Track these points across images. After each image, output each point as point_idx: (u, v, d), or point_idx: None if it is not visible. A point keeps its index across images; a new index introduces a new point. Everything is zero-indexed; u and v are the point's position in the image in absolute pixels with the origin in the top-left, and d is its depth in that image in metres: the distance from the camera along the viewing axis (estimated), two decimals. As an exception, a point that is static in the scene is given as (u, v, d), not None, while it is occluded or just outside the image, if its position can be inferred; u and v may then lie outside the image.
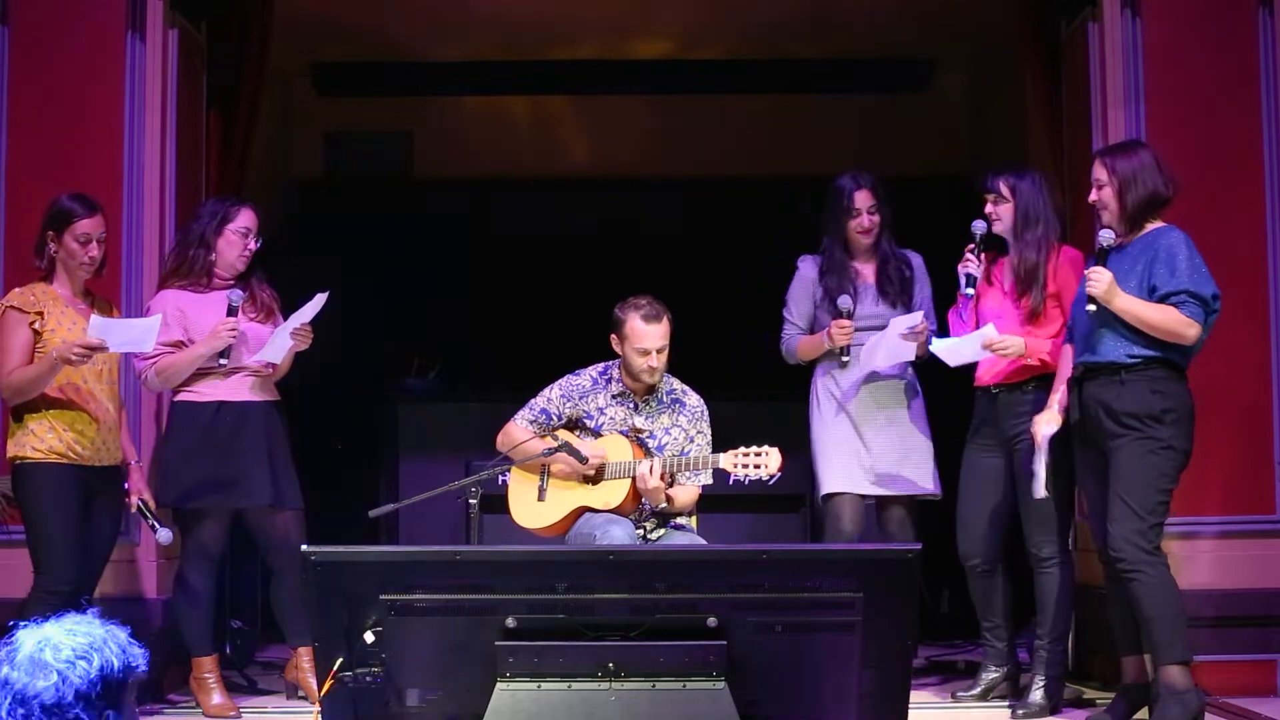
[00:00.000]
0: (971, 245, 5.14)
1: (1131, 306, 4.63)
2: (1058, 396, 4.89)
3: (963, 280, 5.15)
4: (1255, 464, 5.37)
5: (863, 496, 5.40)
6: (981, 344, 5.03)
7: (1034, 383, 5.11)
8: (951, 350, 5.15)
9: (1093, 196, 4.80)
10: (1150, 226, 4.75)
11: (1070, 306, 5.03)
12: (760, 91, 8.54)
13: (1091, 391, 4.72)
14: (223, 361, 5.10)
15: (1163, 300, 4.63)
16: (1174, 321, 4.61)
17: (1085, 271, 4.70)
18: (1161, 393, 4.65)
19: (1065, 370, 4.89)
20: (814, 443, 5.47)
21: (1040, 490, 4.83)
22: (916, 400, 5.46)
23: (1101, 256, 4.70)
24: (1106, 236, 4.71)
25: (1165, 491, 4.65)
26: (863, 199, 5.43)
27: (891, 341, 5.27)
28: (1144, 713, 4.80)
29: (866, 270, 5.49)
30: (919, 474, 5.39)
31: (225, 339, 5.09)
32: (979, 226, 5.16)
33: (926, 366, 5.45)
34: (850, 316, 5.33)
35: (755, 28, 8.01)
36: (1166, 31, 5.58)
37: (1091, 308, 4.64)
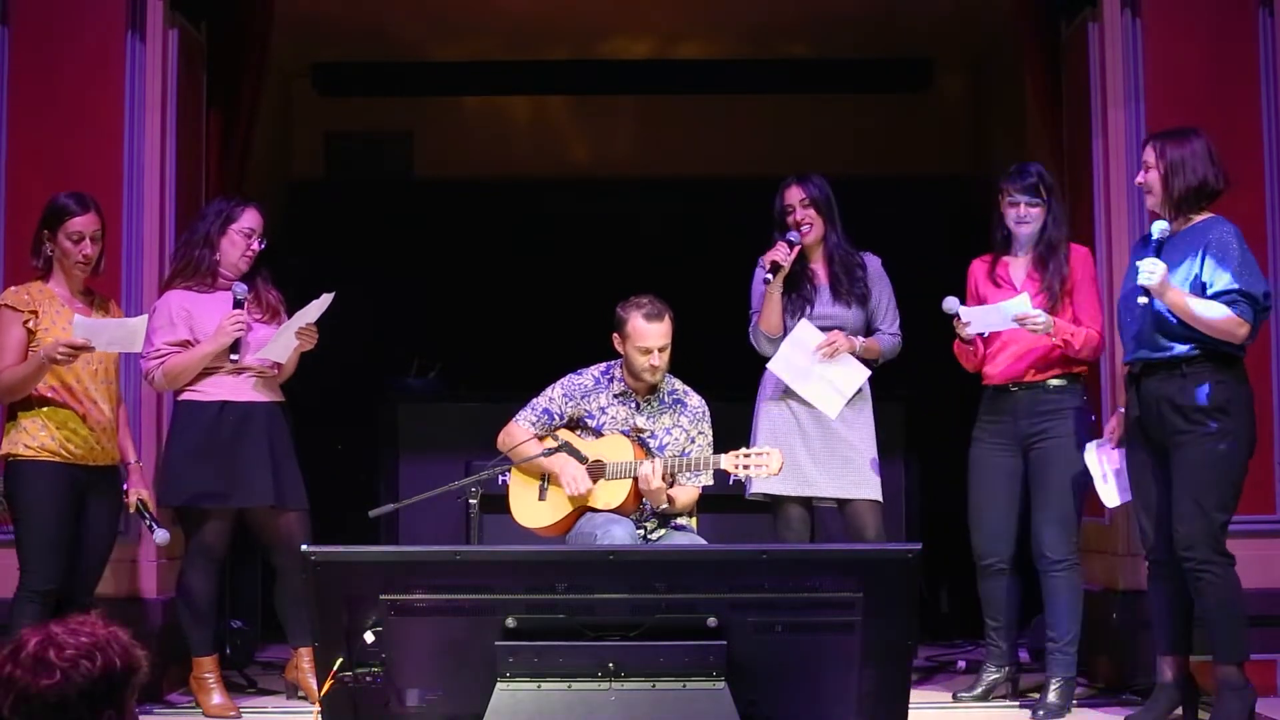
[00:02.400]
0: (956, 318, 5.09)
1: (1182, 301, 4.56)
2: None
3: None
4: (1255, 464, 5.35)
5: (809, 499, 5.39)
6: (1014, 315, 4.97)
7: (1054, 381, 5.12)
8: (979, 317, 5.08)
9: (1139, 178, 4.76)
10: (1199, 217, 4.70)
11: (1080, 299, 5.12)
12: (760, 91, 8.54)
13: (1151, 387, 4.67)
14: (234, 357, 5.10)
15: (1214, 298, 4.58)
16: (1224, 320, 4.55)
17: (1138, 262, 4.62)
18: (1224, 383, 4.60)
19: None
20: (755, 435, 5.40)
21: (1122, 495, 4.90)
22: (864, 404, 5.41)
23: (1155, 248, 4.62)
24: (1160, 227, 4.64)
25: (1235, 485, 4.63)
26: (792, 194, 5.42)
27: (829, 380, 5.25)
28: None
29: (819, 270, 5.47)
30: (859, 478, 5.33)
31: (232, 334, 5.09)
32: (951, 305, 5.09)
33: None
34: (791, 246, 5.31)
35: (755, 28, 8.02)
36: (1166, 31, 5.58)
37: (1143, 299, 4.57)
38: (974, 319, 5.07)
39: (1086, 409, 5.20)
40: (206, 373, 5.15)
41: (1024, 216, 5.16)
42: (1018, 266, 5.25)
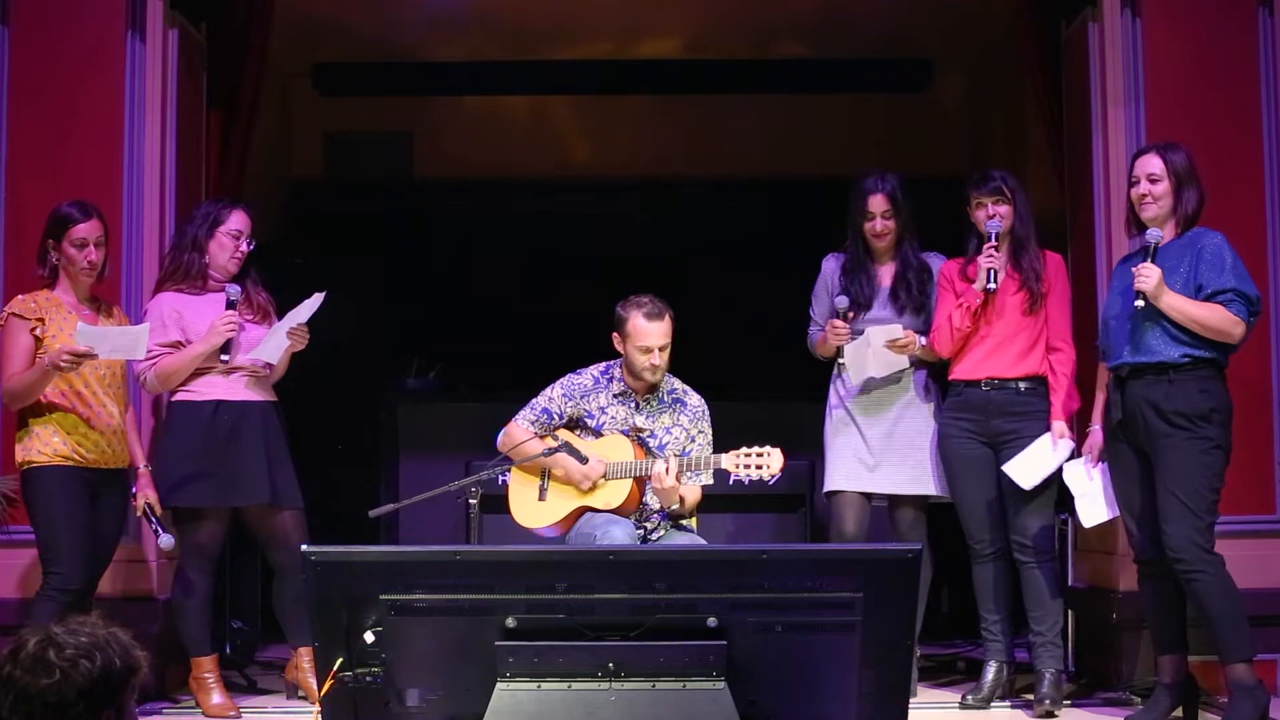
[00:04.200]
0: (992, 243, 5.15)
1: (1179, 303, 4.63)
2: (1098, 414, 4.98)
3: (986, 275, 5.14)
4: (1255, 464, 5.37)
5: (867, 496, 5.39)
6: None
7: (1023, 383, 5.17)
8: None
9: (1143, 189, 4.77)
10: (1186, 229, 4.77)
11: (1054, 309, 5.20)
12: (760, 91, 8.54)
13: (1138, 391, 4.71)
14: (224, 358, 5.12)
15: (1209, 299, 4.64)
16: (1221, 320, 4.62)
17: (1134, 268, 4.69)
18: (1208, 392, 4.66)
19: (1102, 385, 4.97)
20: (824, 441, 5.45)
21: (1108, 511, 4.95)
22: (929, 400, 5.42)
23: (1150, 255, 4.68)
24: (1155, 235, 4.71)
25: (1216, 490, 4.65)
26: (876, 203, 5.39)
27: (879, 352, 5.27)
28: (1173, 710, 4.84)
29: (884, 272, 5.45)
30: (923, 476, 5.36)
31: (224, 334, 5.10)
32: (994, 225, 5.17)
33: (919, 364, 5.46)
34: (845, 318, 5.32)
35: (755, 28, 8.02)
36: (1166, 31, 5.58)
37: (1140, 303, 4.63)
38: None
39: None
40: (199, 373, 5.16)
41: (993, 213, 5.22)
42: None
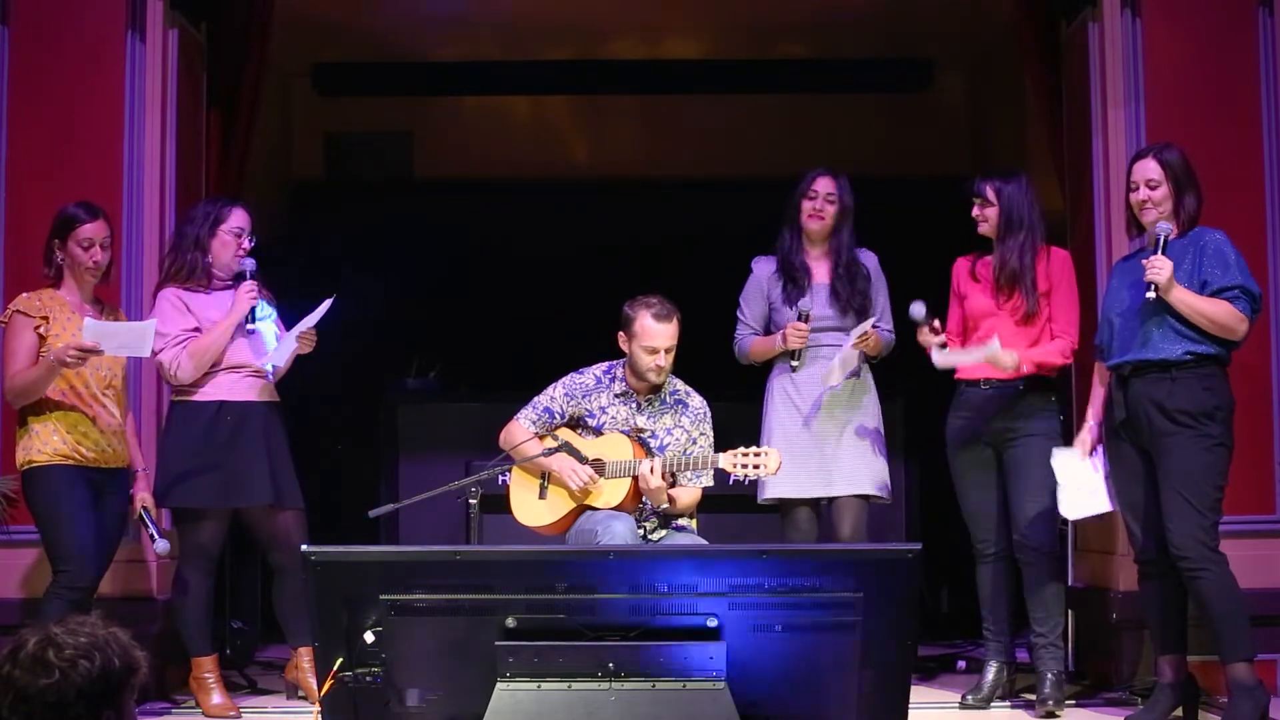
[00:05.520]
0: (922, 328, 5.14)
1: (1187, 298, 4.63)
2: (1095, 409, 4.97)
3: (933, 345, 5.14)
4: (1255, 464, 5.37)
5: (816, 500, 5.38)
6: (984, 358, 5.07)
7: (1025, 381, 5.16)
8: (953, 360, 5.17)
9: (1142, 195, 4.77)
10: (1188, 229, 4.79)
11: (1058, 305, 5.20)
12: (761, 92, 8.55)
13: (1140, 389, 4.71)
14: (250, 328, 5.13)
15: (1215, 295, 4.65)
16: (1227, 315, 4.63)
17: (1144, 260, 4.68)
18: (1211, 390, 4.66)
19: (1099, 380, 4.96)
20: (765, 442, 5.37)
21: (1092, 505, 4.93)
22: (871, 401, 5.43)
23: (1161, 247, 4.68)
24: (1165, 228, 4.71)
25: (1220, 489, 4.66)
26: (824, 184, 5.42)
27: (847, 358, 5.27)
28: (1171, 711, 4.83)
29: (820, 269, 5.46)
30: (871, 477, 5.35)
31: (247, 302, 5.12)
32: (917, 312, 5.11)
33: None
34: (808, 320, 5.31)
35: (755, 28, 8.02)
36: (1166, 31, 5.58)
37: (1151, 295, 4.62)
38: (948, 362, 5.16)
39: (1055, 407, 5.25)
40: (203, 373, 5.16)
41: (976, 217, 5.26)
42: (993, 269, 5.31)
